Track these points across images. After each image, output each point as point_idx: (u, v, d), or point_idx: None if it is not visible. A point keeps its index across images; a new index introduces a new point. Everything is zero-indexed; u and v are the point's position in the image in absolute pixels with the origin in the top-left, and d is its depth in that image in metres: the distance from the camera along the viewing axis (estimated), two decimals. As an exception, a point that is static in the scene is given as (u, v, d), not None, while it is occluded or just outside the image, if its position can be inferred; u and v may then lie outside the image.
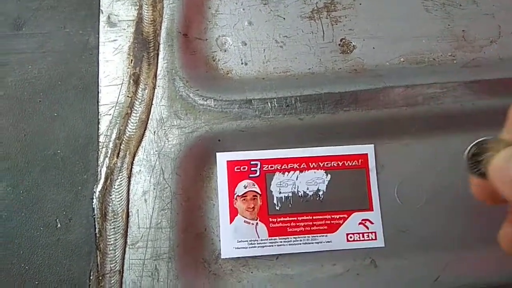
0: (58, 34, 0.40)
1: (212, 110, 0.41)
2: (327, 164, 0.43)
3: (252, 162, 0.42)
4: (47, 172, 0.38)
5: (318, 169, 0.43)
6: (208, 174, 0.42)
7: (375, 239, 0.43)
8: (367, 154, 0.43)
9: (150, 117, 0.40)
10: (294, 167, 0.43)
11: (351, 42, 0.46)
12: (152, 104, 0.41)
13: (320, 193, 0.43)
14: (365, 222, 0.43)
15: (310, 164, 0.43)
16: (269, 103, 0.42)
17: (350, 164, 0.43)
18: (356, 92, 0.43)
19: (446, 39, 0.46)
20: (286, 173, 0.43)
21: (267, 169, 0.42)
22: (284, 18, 0.46)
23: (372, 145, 0.43)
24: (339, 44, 0.46)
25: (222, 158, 0.42)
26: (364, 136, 0.43)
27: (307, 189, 0.42)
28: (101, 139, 0.40)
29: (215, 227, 0.41)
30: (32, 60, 0.40)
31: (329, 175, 0.43)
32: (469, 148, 0.24)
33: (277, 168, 0.42)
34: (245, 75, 0.44)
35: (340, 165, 0.43)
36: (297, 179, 0.43)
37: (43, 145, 0.39)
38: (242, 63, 0.44)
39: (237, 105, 0.42)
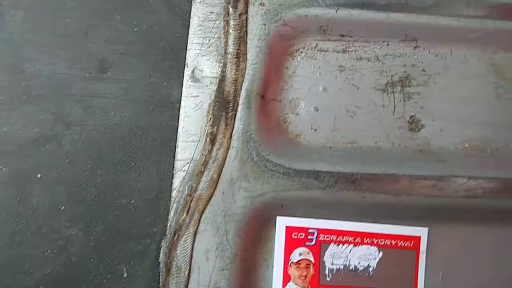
0: (143, 82, 0.38)
1: (280, 177, 0.39)
2: (381, 241, 0.41)
3: (309, 230, 0.41)
4: (119, 220, 0.36)
5: (371, 245, 0.41)
6: (266, 236, 0.40)
7: None
8: (420, 236, 0.42)
9: (221, 177, 0.39)
10: (349, 240, 0.41)
11: (420, 121, 0.43)
12: (224, 164, 0.39)
13: (370, 269, 0.41)
14: None
15: (364, 239, 0.41)
16: (335, 177, 0.40)
17: (403, 244, 0.42)
18: (421, 177, 0.41)
19: None
20: (341, 245, 0.41)
21: (323, 239, 0.41)
22: (358, 88, 0.43)
23: (426, 228, 0.42)
24: (408, 121, 0.43)
25: (282, 223, 0.41)
26: (420, 219, 0.42)
27: (359, 263, 0.41)
28: (174, 194, 0.38)
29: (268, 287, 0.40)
30: (115, 106, 0.37)
31: (381, 253, 0.41)
32: None
33: (332, 239, 0.41)
34: (313, 141, 0.42)
35: (393, 244, 0.41)
36: (350, 252, 0.41)
37: (117, 194, 0.37)
38: (312, 129, 0.42)
39: (305, 175, 0.39)
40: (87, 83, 0.38)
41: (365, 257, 0.41)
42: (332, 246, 0.41)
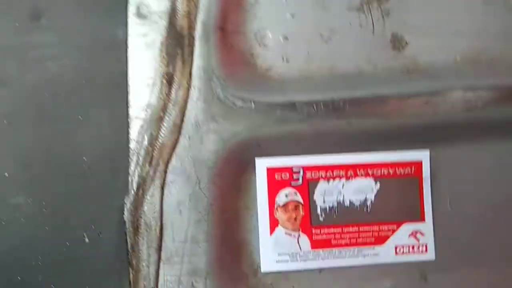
0: (81, 26, 0.32)
1: (252, 113, 0.33)
2: (376, 171, 0.35)
3: (294, 169, 0.35)
4: (73, 182, 0.31)
5: (366, 177, 0.35)
6: (246, 183, 0.34)
7: (426, 251, 0.35)
8: (421, 161, 0.36)
9: (185, 121, 0.33)
10: (340, 175, 0.35)
11: (403, 37, 0.37)
12: (186, 106, 0.33)
13: (368, 203, 0.35)
14: (416, 234, 0.35)
15: (357, 171, 0.35)
16: (314, 106, 0.34)
17: (402, 172, 0.35)
18: (410, 95, 0.35)
19: (506, 36, 0.38)
20: (331, 181, 0.35)
21: (310, 176, 0.35)
22: (330, 10, 0.37)
23: (427, 151, 0.36)
24: (390, 40, 0.37)
25: (262, 165, 0.35)
26: (418, 142, 0.35)
27: (354, 198, 0.35)
28: (132, 145, 0.32)
29: (254, 240, 0.34)
30: (53, 55, 0.31)
31: (378, 184, 0.35)
32: None
33: (321, 175, 0.35)
34: (287, 74, 0.36)
35: (391, 173, 0.35)
36: (343, 187, 0.35)
37: (67, 152, 0.31)
38: (283, 60, 0.36)
39: (280, 108, 0.34)
40: (18, 34, 0.32)
41: (361, 190, 0.35)
42: (322, 183, 0.35)
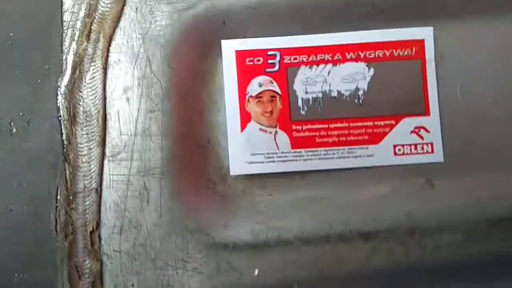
0: None
1: None
2: (369, 54, 0.29)
3: (269, 53, 0.29)
4: None
5: (357, 61, 0.29)
6: (210, 69, 0.29)
7: (432, 152, 0.29)
8: (423, 40, 0.29)
9: None
10: (325, 59, 0.29)
11: None
12: None
13: (360, 92, 0.29)
14: (419, 131, 0.29)
15: (347, 54, 0.29)
16: None
17: (401, 53, 0.29)
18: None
19: None
20: (315, 66, 0.29)
21: (289, 61, 0.29)
22: None
23: (431, 28, 0.29)
24: None
25: (229, 47, 0.29)
26: (419, 17, 0.29)
27: (343, 87, 0.29)
28: (66, 17, 0.26)
29: (221, 138, 0.28)
30: None
31: (372, 69, 0.29)
32: None
33: (302, 60, 0.29)
34: None
35: (388, 55, 0.29)
36: (329, 74, 0.29)
37: None
38: None
39: None
40: None
41: (351, 77, 0.29)
42: (303, 69, 0.29)
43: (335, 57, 0.29)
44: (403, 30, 0.29)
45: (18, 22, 0.26)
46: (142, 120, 0.27)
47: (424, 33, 0.29)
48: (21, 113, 0.26)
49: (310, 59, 0.29)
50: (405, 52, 0.29)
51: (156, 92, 0.27)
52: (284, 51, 0.29)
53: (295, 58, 0.29)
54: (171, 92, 0.27)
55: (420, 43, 0.29)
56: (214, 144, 0.29)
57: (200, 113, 0.29)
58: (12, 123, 0.26)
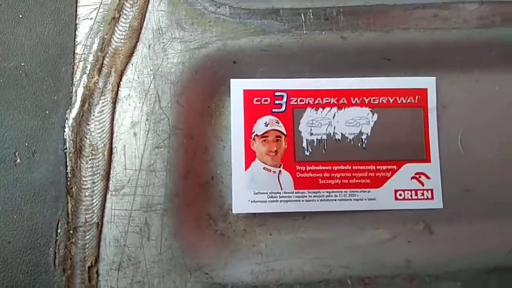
0: None
1: (227, 20, 0.29)
2: (374, 100, 0.31)
3: (276, 93, 0.30)
4: (6, 90, 0.26)
5: (362, 106, 0.30)
6: (218, 107, 0.30)
7: (432, 198, 0.30)
8: (426, 89, 0.31)
9: (144, 25, 0.28)
10: (331, 102, 0.30)
11: None
12: (147, 8, 0.29)
13: (363, 136, 0.31)
14: (420, 177, 0.31)
15: (352, 99, 0.30)
16: (302, 15, 0.29)
17: (404, 101, 0.31)
18: (416, 5, 0.31)
19: None
20: (320, 109, 0.30)
21: (295, 103, 0.30)
22: None
23: (434, 78, 0.31)
24: None
25: (238, 86, 0.30)
26: (423, 66, 0.30)
27: (347, 131, 0.30)
28: (78, 50, 0.27)
29: (225, 175, 0.29)
30: None
31: (376, 115, 0.30)
32: None
33: (308, 102, 0.30)
34: None
35: (391, 102, 0.31)
36: (334, 117, 0.30)
37: (2, 55, 0.27)
38: (266, -37, 0.32)
39: (260, 16, 0.29)
40: None
41: (355, 122, 0.31)
42: (309, 111, 0.30)
43: (341, 101, 0.31)
44: (407, 78, 0.31)
45: (30, 51, 0.27)
46: (148, 156, 0.28)
47: (427, 82, 0.31)
48: (26, 144, 0.26)
49: (316, 101, 0.31)
50: (408, 100, 0.31)
51: (163, 128, 0.28)
52: (291, 93, 0.31)
53: (301, 100, 0.31)
54: (178, 128, 0.28)
55: (423, 92, 0.31)
56: (217, 182, 0.30)
57: (205, 150, 0.30)
58: (16, 153, 0.26)
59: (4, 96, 0.27)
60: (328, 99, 0.31)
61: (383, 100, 0.31)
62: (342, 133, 0.30)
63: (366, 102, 0.31)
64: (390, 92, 0.31)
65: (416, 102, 0.31)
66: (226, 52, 0.29)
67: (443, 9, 0.30)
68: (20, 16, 0.27)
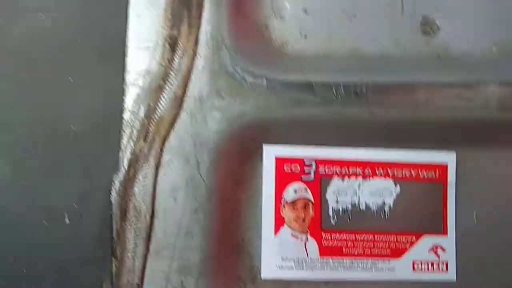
0: None
1: (264, 92, 0.37)
2: (397, 172, 0.38)
3: (306, 161, 0.38)
4: (57, 152, 0.34)
5: (386, 177, 0.38)
6: (251, 172, 0.37)
7: (446, 270, 0.39)
8: (447, 164, 0.39)
9: (187, 94, 0.36)
10: (357, 172, 0.38)
11: (435, 21, 0.44)
12: (190, 77, 0.37)
13: (386, 207, 0.38)
14: (437, 249, 0.38)
15: (377, 170, 0.38)
16: (334, 90, 0.37)
17: (426, 175, 0.38)
18: (441, 85, 0.39)
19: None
20: (347, 178, 0.38)
21: (323, 171, 0.38)
22: (357, -16, 0.36)
23: (454, 154, 0.39)
24: (421, 23, 0.43)
25: (270, 153, 0.37)
26: (445, 141, 0.40)
27: (371, 201, 0.38)
28: (126, 116, 0.35)
29: (255, 239, 0.37)
30: (46, 8, 0.36)
31: (398, 186, 0.38)
32: None
33: (335, 171, 0.38)
34: (304, 50, 0.40)
35: (414, 175, 0.38)
36: (359, 187, 0.38)
37: (53, 118, 0.34)
38: (301, 35, 0.40)
39: (295, 89, 0.37)
40: (10, -21, 0.31)
41: (379, 192, 0.38)
42: (336, 180, 0.38)
43: (366, 172, 0.38)
44: (429, 153, 0.38)
45: (81, 117, 0.34)
46: (186, 220, 0.35)
47: (448, 157, 0.38)
48: (75, 205, 0.33)
49: (343, 171, 0.38)
50: (429, 174, 0.38)
51: (201, 193, 0.35)
52: (319, 161, 0.38)
53: (329, 169, 0.38)
54: (215, 193, 0.37)
55: (443, 167, 0.38)
56: (247, 244, 0.36)
57: (238, 213, 0.38)
58: (66, 214, 0.34)
59: (55, 157, 0.33)
60: (354, 169, 0.38)
61: (406, 173, 0.38)
62: (366, 203, 0.38)
63: (390, 174, 0.38)
64: (412, 166, 0.40)
65: (436, 176, 0.40)
66: (261, 121, 0.37)
67: (466, 89, 0.41)
68: (71, 80, 0.37)
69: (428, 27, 0.41)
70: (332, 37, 0.42)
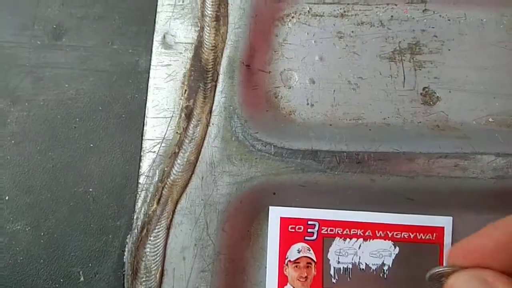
0: (103, 50, 0.34)
1: (271, 158, 0.34)
2: (396, 234, 0.36)
3: (309, 222, 0.36)
4: (75, 213, 0.31)
5: (385, 239, 0.35)
6: (257, 231, 0.35)
7: None
8: (443, 227, 0.37)
9: (200, 159, 0.34)
10: (358, 234, 0.35)
11: (435, 93, 0.40)
12: (203, 144, 0.34)
13: (385, 268, 0.36)
14: None
15: (376, 232, 0.35)
16: (337, 157, 0.36)
17: (423, 237, 0.36)
18: (439, 155, 0.37)
19: (543, 101, 0.40)
20: (348, 239, 0.35)
21: (326, 232, 0.36)
22: (360, 56, 0.40)
23: (451, 218, 0.36)
24: (421, 94, 0.40)
25: (276, 213, 0.36)
26: (442, 207, 0.36)
27: (371, 261, 0.35)
28: (141, 180, 0.33)
29: None
30: (71, 78, 0.33)
31: (397, 248, 0.36)
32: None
33: (337, 232, 0.35)
34: (310, 118, 0.38)
35: (412, 237, 0.36)
36: (359, 248, 0.35)
37: (73, 181, 0.32)
38: (308, 104, 0.38)
39: (300, 156, 0.35)
40: (38, 52, 0.34)
41: (378, 253, 0.36)
42: (338, 241, 0.36)
43: (366, 233, 0.36)
44: (427, 217, 0.37)
45: (98, 179, 0.32)
46: (193, 279, 0.33)
47: (444, 221, 0.36)
48: (90, 264, 0.31)
49: (345, 232, 0.36)
50: (427, 236, 0.36)
51: (209, 253, 0.33)
52: (322, 222, 0.36)
53: (331, 230, 0.36)
54: (222, 253, 0.34)
55: (440, 230, 0.37)
56: None
57: (243, 270, 0.35)
58: (81, 272, 0.31)
59: (73, 218, 0.32)
60: (355, 231, 0.36)
61: (405, 235, 0.36)
62: (366, 263, 0.36)
63: (389, 235, 0.36)
64: (411, 228, 0.37)
65: (434, 238, 0.37)
66: (268, 185, 0.35)
67: (463, 160, 0.36)
68: (91, 145, 0.33)
69: (428, 97, 0.36)
70: (337, 106, 0.39)
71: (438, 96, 0.39)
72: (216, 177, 0.34)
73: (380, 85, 0.39)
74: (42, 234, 0.30)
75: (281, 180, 0.35)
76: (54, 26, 0.34)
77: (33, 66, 0.33)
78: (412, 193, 0.36)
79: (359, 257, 0.35)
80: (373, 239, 0.36)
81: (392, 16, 0.40)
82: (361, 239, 0.36)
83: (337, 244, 0.35)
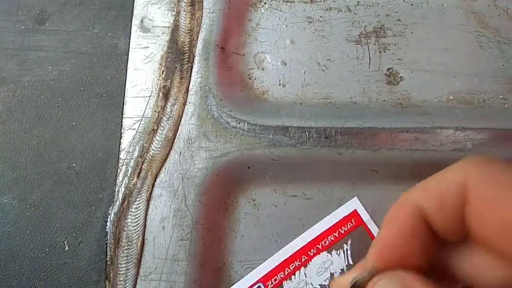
0: (84, 33, 0.34)
1: (245, 134, 0.35)
2: (325, 242, 0.35)
3: (255, 286, 0.34)
4: (59, 187, 0.31)
5: (319, 253, 0.34)
6: (232, 204, 0.36)
7: None
8: (355, 209, 0.35)
9: (177, 136, 0.34)
10: (297, 265, 0.34)
11: (399, 73, 0.41)
12: (180, 121, 0.35)
13: (336, 275, 0.34)
14: None
15: (309, 252, 0.34)
16: (306, 133, 0.37)
17: (346, 228, 0.35)
18: (401, 129, 0.38)
19: (498, 80, 0.42)
20: (293, 276, 0.34)
21: (272, 285, 0.34)
22: (328, 40, 0.41)
23: (355, 198, 0.36)
24: (386, 74, 0.41)
25: None
26: (403, 177, 0.38)
27: (321, 279, 0.34)
28: (122, 155, 0.33)
29: (235, 262, 0.35)
30: (54, 60, 0.33)
31: (333, 252, 0.35)
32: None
33: (280, 277, 0.34)
34: (282, 98, 0.38)
35: (337, 235, 0.35)
36: (305, 275, 0.34)
37: (57, 156, 0.32)
38: (280, 84, 0.39)
39: (272, 132, 0.35)
40: (23, 36, 0.34)
41: (322, 268, 0.34)
42: (286, 284, 0.34)
43: (303, 259, 0.34)
44: (337, 212, 0.36)
45: (81, 154, 0.32)
46: (173, 247, 0.33)
47: (353, 204, 0.36)
48: (74, 234, 0.31)
49: (286, 272, 0.34)
50: (349, 225, 0.35)
51: (187, 223, 0.34)
52: (264, 279, 0.34)
53: (275, 280, 0.34)
54: (199, 223, 0.35)
55: (354, 213, 0.36)
56: (228, 268, 0.36)
57: (220, 239, 0.36)
58: (65, 242, 0.31)
59: (57, 192, 0.33)
60: (293, 264, 0.34)
61: (331, 238, 0.35)
62: (319, 284, 0.34)
63: (320, 247, 0.35)
64: (332, 229, 0.35)
65: (354, 223, 0.35)
66: (242, 159, 0.36)
67: (424, 133, 0.38)
68: (74, 123, 0.34)
69: (392, 77, 0.37)
70: (307, 86, 0.40)
71: (401, 76, 0.40)
72: (193, 153, 0.35)
73: (348, 67, 0.40)
74: (28, 206, 0.30)
75: (254, 154, 0.36)
76: (38, 12, 0.34)
77: (18, 49, 0.34)
78: (377, 165, 0.37)
79: (310, 283, 0.34)
80: (310, 260, 0.35)
81: (358, 1, 0.41)
82: (302, 267, 0.35)
83: (288, 286, 0.34)
